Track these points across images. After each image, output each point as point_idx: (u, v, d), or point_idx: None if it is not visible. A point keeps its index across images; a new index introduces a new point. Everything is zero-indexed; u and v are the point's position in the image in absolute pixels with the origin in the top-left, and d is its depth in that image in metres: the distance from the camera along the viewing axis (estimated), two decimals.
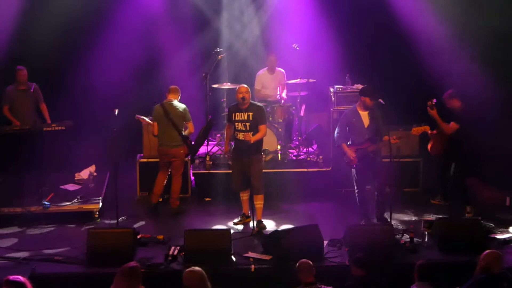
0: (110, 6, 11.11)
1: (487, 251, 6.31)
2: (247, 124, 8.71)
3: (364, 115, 8.84)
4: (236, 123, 8.78)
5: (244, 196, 9.07)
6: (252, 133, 8.66)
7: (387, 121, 8.96)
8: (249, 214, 8.97)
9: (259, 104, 8.96)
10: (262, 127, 8.74)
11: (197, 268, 5.95)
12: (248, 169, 8.76)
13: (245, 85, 8.88)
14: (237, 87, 8.87)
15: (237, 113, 8.75)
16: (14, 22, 10.71)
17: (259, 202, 8.88)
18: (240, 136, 8.72)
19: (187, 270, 5.93)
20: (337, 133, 8.95)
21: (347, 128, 8.89)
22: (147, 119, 9.60)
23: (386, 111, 8.95)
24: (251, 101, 8.81)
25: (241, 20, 11.64)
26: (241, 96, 8.66)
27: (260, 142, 8.84)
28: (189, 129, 9.39)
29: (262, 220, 8.93)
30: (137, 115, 9.66)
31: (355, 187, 9.03)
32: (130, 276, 5.82)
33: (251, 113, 8.70)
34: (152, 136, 9.58)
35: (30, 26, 10.83)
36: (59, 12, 10.97)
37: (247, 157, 8.72)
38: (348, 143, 8.90)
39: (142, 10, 11.24)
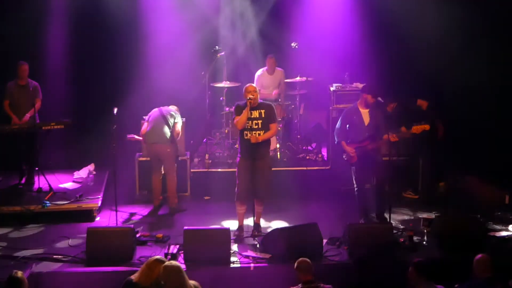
0: (109, 5, 11.10)
1: (478, 256, 6.34)
2: (260, 122, 8.34)
3: (365, 113, 8.83)
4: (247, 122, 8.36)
5: (243, 209, 8.60)
6: (263, 131, 8.36)
7: (387, 120, 8.98)
8: (243, 225, 8.63)
9: (268, 102, 8.77)
10: (273, 126, 8.42)
11: (174, 262, 6.03)
12: (256, 175, 8.36)
13: (253, 84, 8.63)
14: (245, 86, 8.48)
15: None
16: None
17: (260, 208, 8.64)
18: (250, 135, 8.35)
19: (164, 264, 5.97)
20: (337, 130, 8.95)
21: (347, 125, 8.89)
22: (136, 137, 9.69)
23: (384, 109, 8.97)
24: (260, 100, 8.52)
25: (240, 18, 11.61)
26: (249, 95, 8.25)
27: (268, 143, 8.55)
28: (176, 130, 9.39)
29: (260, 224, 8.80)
30: (128, 136, 9.71)
31: (355, 185, 9.02)
32: (150, 267, 6.04)
33: (263, 110, 8.35)
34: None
35: (30, 24, 10.82)
36: (60, 11, 10.97)
37: (257, 160, 8.34)
38: (348, 141, 8.91)
39: (141, 9, 11.23)
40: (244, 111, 8.27)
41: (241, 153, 8.48)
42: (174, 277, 5.88)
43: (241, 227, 8.64)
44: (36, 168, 9.72)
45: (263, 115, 8.35)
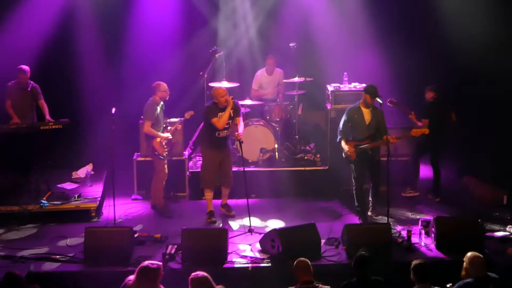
0: (108, 5, 11.10)
1: (470, 254, 6.29)
2: (230, 121, 8.96)
3: (366, 113, 8.91)
4: None
5: (211, 195, 9.20)
6: (229, 130, 9.01)
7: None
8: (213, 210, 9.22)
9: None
10: (239, 119, 9.02)
11: (200, 272, 5.92)
12: (224, 161, 9.09)
13: (222, 87, 9.12)
14: (215, 88, 9.08)
15: (220, 113, 8.83)
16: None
17: (228, 190, 9.35)
18: (223, 133, 8.94)
19: (192, 275, 5.89)
20: (340, 128, 9.05)
21: (350, 124, 8.96)
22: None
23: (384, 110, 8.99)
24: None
25: (238, 18, 11.61)
26: (224, 99, 8.79)
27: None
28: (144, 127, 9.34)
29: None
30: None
31: (353, 184, 9.06)
32: (141, 275, 5.84)
33: (232, 110, 8.90)
34: None
35: (29, 23, 10.81)
36: (59, 10, 10.96)
37: (225, 151, 9.08)
38: (350, 139, 8.97)
39: (140, 8, 11.22)
40: (226, 110, 8.82)
41: (210, 146, 9.06)
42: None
43: (211, 211, 9.19)
44: (34, 168, 9.72)
45: (232, 115, 8.94)
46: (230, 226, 8.93)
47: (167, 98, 9.33)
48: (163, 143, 9.28)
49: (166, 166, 9.42)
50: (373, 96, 8.83)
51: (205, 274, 5.91)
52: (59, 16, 10.99)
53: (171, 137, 9.37)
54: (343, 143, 8.94)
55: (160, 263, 6.01)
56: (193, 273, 5.94)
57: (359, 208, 9.08)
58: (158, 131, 9.28)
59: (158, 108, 9.24)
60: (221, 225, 8.97)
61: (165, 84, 9.26)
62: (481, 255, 6.30)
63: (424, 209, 9.51)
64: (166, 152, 9.34)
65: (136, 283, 5.85)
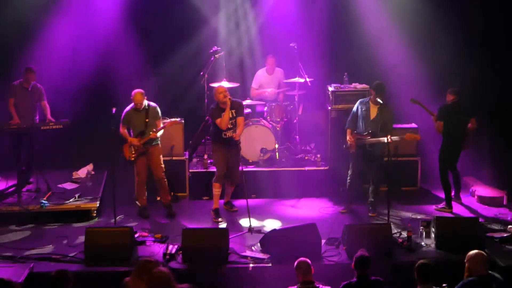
0: (108, 5, 11.10)
1: (472, 252, 6.27)
2: (233, 121, 8.99)
3: (373, 108, 9.05)
4: None
5: (220, 190, 9.20)
6: (234, 129, 9.00)
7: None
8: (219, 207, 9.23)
9: (236, 99, 9.19)
10: (241, 119, 9.04)
11: (163, 269, 5.79)
12: (231, 158, 9.08)
13: (222, 85, 9.27)
14: (216, 87, 9.17)
15: (223, 114, 8.89)
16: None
17: (233, 188, 9.40)
18: (229, 133, 8.98)
19: (155, 270, 5.75)
20: (349, 117, 9.26)
21: (357, 115, 9.15)
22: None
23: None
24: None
25: (239, 18, 11.62)
26: (227, 96, 8.84)
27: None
28: None
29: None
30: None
31: (349, 171, 9.25)
32: (138, 271, 5.78)
33: (233, 111, 8.96)
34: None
35: (28, 24, 10.82)
36: (59, 11, 10.97)
37: (232, 150, 9.07)
38: (355, 131, 9.14)
39: (140, 8, 11.22)
40: (226, 111, 8.85)
41: (219, 143, 9.11)
42: (162, 285, 5.74)
43: (217, 209, 9.17)
44: (35, 168, 9.72)
45: (234, 115, 9.00)
46: (232, 226, 8.93)
47: (141, 108, 9.02)
48: (132, 149, 9.08)
49: (157, 168, 9.24)
50: (377, 93, 8.94)
51: (168, 272, 5.69)
52: (62, 16, 11.01)
53: (136, 144, 9.02)
54: (347, 133, 9.16)
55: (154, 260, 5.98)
56: (156, 269, 5.81)
57: (347, 194, 9.36)
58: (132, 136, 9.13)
59: (133, 114, 9.03)
60: (225, 224, 8.98)
61: (139, 95, 8.93)
62: (484, 253, 6.30)
63: (424, 209, 9.50)
64: (133, 158, 9.10)
65: (135, 278, 5.81)
